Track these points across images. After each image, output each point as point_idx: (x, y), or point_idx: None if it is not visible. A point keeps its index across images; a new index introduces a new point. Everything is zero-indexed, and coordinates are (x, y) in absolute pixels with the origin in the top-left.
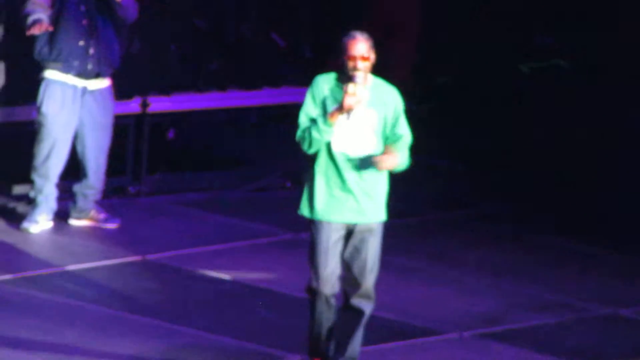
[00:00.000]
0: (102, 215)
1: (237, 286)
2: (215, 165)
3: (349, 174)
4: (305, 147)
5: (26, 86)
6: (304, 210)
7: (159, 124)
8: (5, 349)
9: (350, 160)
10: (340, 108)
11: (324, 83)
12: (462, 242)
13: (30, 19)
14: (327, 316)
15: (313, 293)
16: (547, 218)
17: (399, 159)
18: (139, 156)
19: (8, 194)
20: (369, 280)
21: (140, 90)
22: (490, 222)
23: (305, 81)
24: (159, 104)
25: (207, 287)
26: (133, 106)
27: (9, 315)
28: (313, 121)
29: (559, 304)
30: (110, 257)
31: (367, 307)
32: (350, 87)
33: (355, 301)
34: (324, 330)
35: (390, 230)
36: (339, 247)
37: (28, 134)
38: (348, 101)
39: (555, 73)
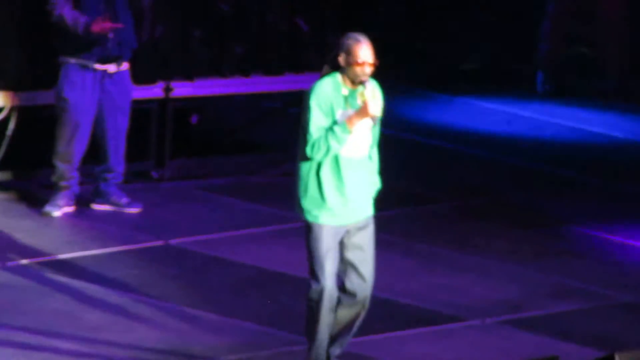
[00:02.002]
0: (124, 200)
1: (260, 272)
2: (238, 150)
3: (351, 176)
4: (319, 155)
5: (48, 70)
6: (309, 215)
7: (182, 109)
8: (27, 332)
9: (353, 162)
10: (363, 114)
11: (327, 90)
12: (485, 229)
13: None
14: (330, 320)
15: (320, 295)
16: (570, 205)
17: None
18: (162, 141)
19: (30, 178)
20: (372, 274)
21: (164, 75)
22: (514, 209)
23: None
24: (182, 89)
25: (230, 272)
26: (156, 91)
27: (31, 299)
28: (329, 130)
29: (581, 291)
30: (132, 241)
31: (368, 301)
32: (369, 93)
33: (363, 297)
34: (327, 336)
35: (413, 216)
36: (338, 247)
37: (50, 118)
38: (373, 108)
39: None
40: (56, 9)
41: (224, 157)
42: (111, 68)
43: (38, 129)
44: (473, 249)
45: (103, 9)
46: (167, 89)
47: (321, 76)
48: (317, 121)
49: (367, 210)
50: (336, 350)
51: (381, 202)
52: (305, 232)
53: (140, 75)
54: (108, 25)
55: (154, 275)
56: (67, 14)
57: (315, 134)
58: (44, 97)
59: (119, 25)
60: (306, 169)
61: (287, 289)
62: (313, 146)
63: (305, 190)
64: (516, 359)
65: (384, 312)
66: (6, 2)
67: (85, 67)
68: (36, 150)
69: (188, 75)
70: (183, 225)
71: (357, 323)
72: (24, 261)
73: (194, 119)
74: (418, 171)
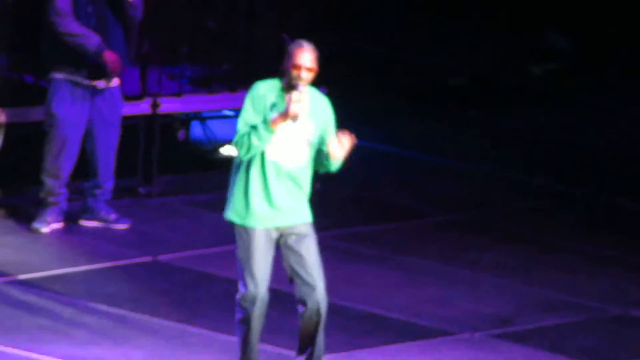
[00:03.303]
0: (112, 216)
1: None
2: (225, 166)
3: (277, 182)
4: (242, 152)
5: (37, 87)
6: (233, 216)
7: (169, 124)
8: (16, 348)
9: (281, 169)
10: (284, 115)
11: (265, 89)
12: (474, 242)
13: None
14: (260, 325)
15: (250, 301)
16: (559, 218)
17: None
18: (150, 157)
19: (18, 194)
20: (321, 279)
21: (151, 91)
22: (503, 222)
23: (317, 83)
24: (170, 105)
25: (218, 287)
26: (143, 107)
27: (20, 315)
28: (253, 127)
29: (570, 304)
30: (120, 257)
31: (324, 305)
32: (295, 94)
33: (314, 304)
34: (257, 340)
35: (403, 230)
36: (271, 251)
37: (38, 135)
38: (294, 109)
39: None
40: (64, 26)
41: (211, 173)
42: (101, 84)
43: (26, 145)
44: (462, 262)
45: (94, 25)
46: (155, 105)
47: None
48: (246, 118)
49: (299, 215)
50: None
51: (370, 216)
52: (234, 235)
53: (127, 91)
54: (118, 63)
55: (142, 291)
56: (78, 30)
57: (242, 129)
58: (33, 114)
59: (122, 67)
60: (235, 170)
61: (275, 303)
62: (237, 142)
63: (233, 192)
64: None
65: (373, 326)
66: None
67: (74, 83)
68: (24, 166)
69: (175, 91)
70: (171, 241)
71: (320, 329)
72: (12, 277)
73: (181, 135)
74: (407, 185)
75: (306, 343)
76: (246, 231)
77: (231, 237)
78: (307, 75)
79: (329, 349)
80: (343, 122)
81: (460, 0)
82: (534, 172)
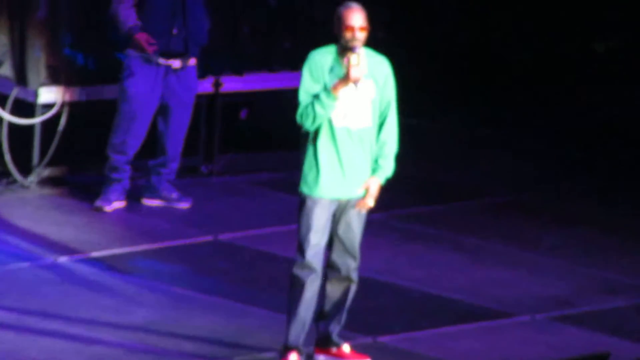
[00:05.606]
0: (174, 195)
1: None
2: (287, 145)
3: (348, 147)
4: (308, 124)
5: (99, 67)
6: (304, 187)
7: (231, 103)
8: (79, 327)
9: (349, 133)
10: (345, 80)
11: (321, 57)
12: (536, 223)
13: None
14: (313, 300)
15: (307, 270)
16: (620, 199)
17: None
18: (211, 136)
19: (82, 172)
20: (359, 252)
21: (213, 70)
22: (565, 203)
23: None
24: (232, 84)
25: (279, 267)
26: (205, 86)
27: (82, 294)
28: (315, 97)
29: (633, 287)
30: (182, 237)
31: (356, 276)
32: (354, 58)
33: (347, 272)
34: (309, 316)
35: (463, 211)
36: (330, 223)
37: (100, 113)
38: (354, 72)
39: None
40: (115, 9)
41: (273, 152)
42: (175, 64)
43: (90, 124)
44: (522, 243)
45: (169, 4)
46: (217, 84)
47: None
48: (306, 88)
49: (360, 186)
50: (335, 328)
51: (430, 196)
52: (299, 205)
53: None
54: (150, 41)
55: (203, 271)
56: (122, 11)
57: (304, 100)
58: (95, 93)
59: (154, 48)
60: (304, 140)
61: None
62: (302, 114)
63: (303, 162)
64: (566, 355)
65: (433, 308)
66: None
67: (148, 61)
68: (87, 145)
69: (237, 70)
70: (232, 220)
71: (349, 298)
72: (75, 256)
73: (243, 114)
74: (467, 164)
75: (336, 307)
76: (313, 200)
77: (292, 216)
78: (360, 35)
79: (389, 330)
80: (409, 99)
81: None
82: (595, 151)
